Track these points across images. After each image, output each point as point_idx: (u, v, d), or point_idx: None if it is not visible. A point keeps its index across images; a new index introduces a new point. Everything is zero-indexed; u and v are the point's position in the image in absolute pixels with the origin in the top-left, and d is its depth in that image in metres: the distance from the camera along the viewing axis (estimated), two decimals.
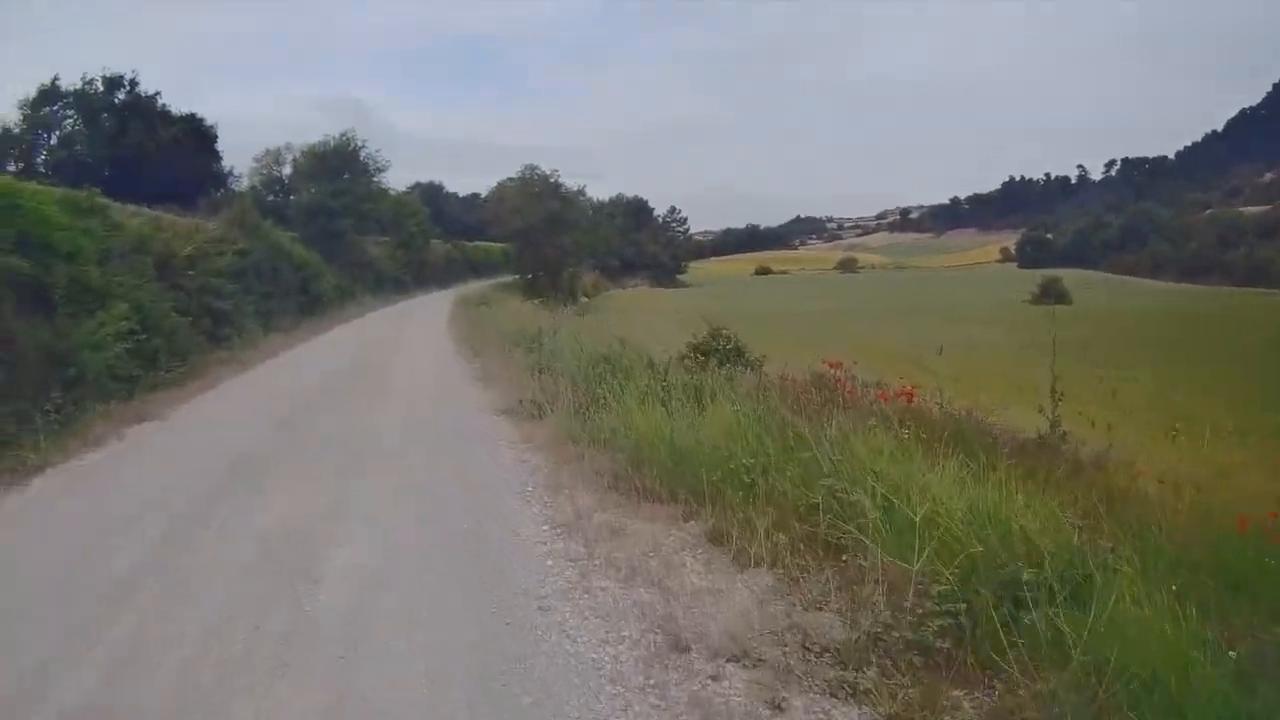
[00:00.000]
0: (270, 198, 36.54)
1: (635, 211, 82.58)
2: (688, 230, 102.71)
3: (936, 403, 7.19)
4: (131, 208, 19.16)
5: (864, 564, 4.20)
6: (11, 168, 27.51)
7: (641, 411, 6.83)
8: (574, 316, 20.51)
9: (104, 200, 15.79)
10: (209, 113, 44.18)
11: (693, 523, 5.28)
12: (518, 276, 40.42)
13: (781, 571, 4.45)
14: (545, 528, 5.42)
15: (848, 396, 7.48)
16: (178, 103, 34.32)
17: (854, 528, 4.41)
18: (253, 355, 15.33)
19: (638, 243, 79.54)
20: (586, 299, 37.87)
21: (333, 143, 35.83)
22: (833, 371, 8.33)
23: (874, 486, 4.55)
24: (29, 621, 4.17)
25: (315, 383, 12.72)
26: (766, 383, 8.15)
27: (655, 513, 5.50)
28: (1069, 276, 65.78)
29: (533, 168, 42.68)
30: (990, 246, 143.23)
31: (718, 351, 11.37)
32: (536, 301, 24.52)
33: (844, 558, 4.44)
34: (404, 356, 15.50)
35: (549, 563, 4.83)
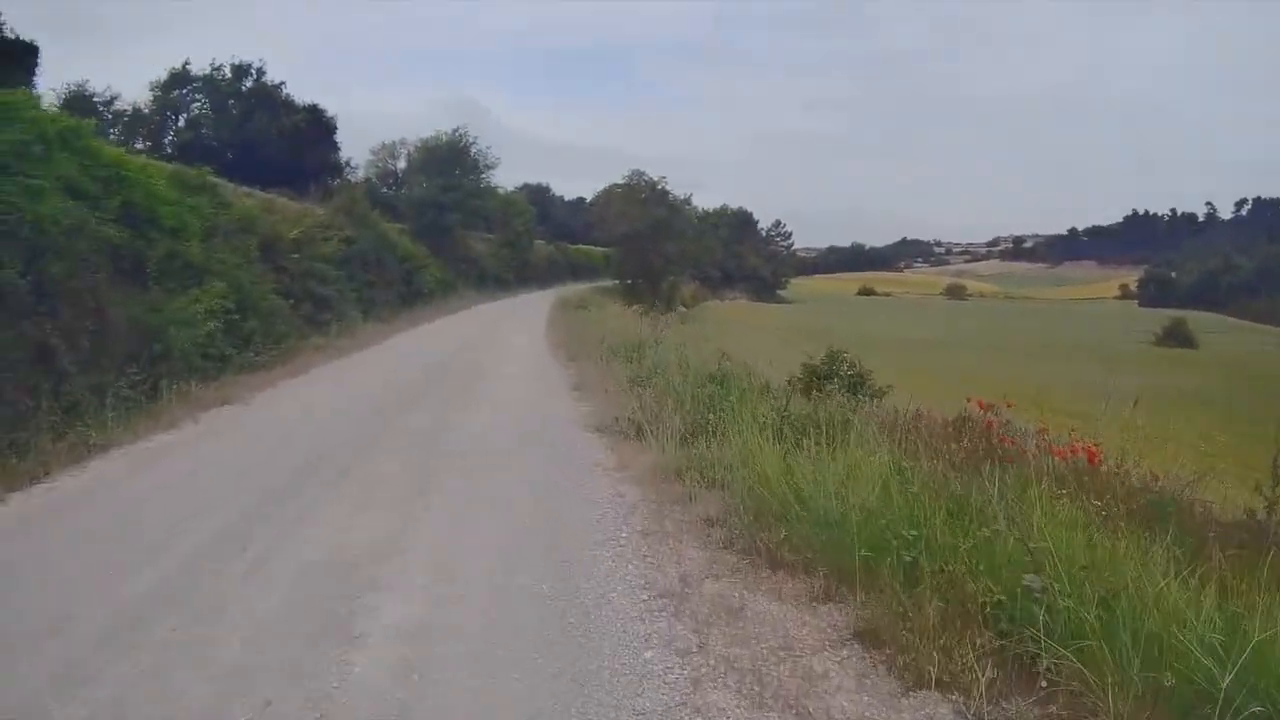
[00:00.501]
0: (384, 190, 37.15)
1: (740, 223, 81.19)
2: (791, 245, 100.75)
3: (1116, 464, 5.83)
4: (244, 189, 19.23)
5: (1084, 701, 3.01)
6: (140, 145, 28.42)
7: (762, 448, 5.67)
8: (675, 326, 19.57)
9: (215, 179, 15.70)
10: (334, 107, 44.95)
11: (833, 607, 4.06)
12: (618, 281, 39.90)
13: (962, 699, 3.21)
14: (644, 596, 4.24)
15: (1007, 448, 6.23)
16: (302, 94, 34.99)
17: (1070, 654, 3.17)
18: (348, 343, 14.93)
19: (739, 255, 78.16)
20: (685, 308, 36.89)
21: (445, 139, 35.96)
22: (982, 413, 7.05)
23: (1087, 587, 3.36)
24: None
25: (405, 378, 12.09)
26: (904, 421, 6.98)
27: (783, 586, 4.31)
28: (1194, 319, 61.24)
29: (640, 173, 42.02)
30: (1109, 282, 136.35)
31: (838, 377, 10.22)
32: (636, 308, 23.77)
33: (1043, 684, 3.19)
34: (499, 356, 14.79)
35: (648, 654, 3.62)
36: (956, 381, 14.31)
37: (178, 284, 11.72)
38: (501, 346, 16.64)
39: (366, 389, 11.02)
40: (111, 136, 26.01)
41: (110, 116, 30.37)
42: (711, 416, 7.15)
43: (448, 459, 7.31)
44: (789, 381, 9.70)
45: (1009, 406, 7.49)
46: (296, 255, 17.38)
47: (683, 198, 42.26)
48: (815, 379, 10.08)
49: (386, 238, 24.92)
